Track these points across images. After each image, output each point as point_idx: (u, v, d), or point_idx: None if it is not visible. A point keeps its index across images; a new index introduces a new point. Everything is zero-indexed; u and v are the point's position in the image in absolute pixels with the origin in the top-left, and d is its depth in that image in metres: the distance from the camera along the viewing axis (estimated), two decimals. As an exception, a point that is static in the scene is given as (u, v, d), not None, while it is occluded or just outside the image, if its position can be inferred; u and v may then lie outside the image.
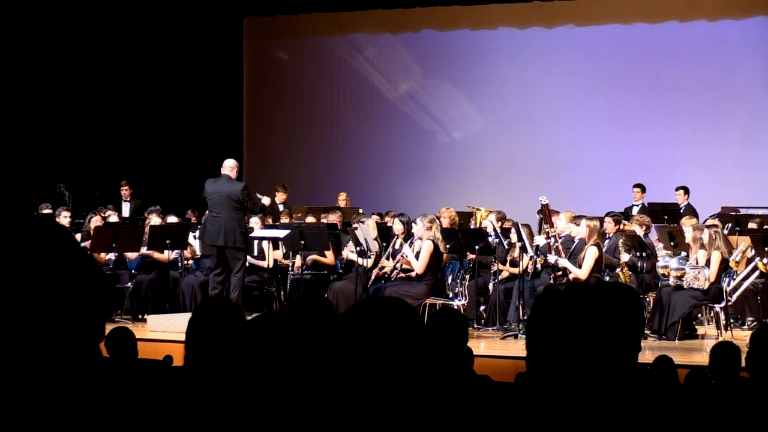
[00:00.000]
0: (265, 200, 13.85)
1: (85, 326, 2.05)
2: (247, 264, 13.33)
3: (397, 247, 13.12)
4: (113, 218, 15.04)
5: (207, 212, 13.29)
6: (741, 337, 11.53)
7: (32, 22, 18.65)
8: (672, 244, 13.62)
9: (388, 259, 13.13)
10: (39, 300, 1.99)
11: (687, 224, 13.41)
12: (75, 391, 1.99)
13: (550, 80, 19.67)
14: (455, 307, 12.19)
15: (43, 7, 18.67)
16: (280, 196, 17.77)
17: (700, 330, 12.99)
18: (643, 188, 16.93)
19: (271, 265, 14.10)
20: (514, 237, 13.31)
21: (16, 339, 1.97)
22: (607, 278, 12.42)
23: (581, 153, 19.17)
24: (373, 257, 13.21)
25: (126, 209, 17.74)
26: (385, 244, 13.57)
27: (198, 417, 2.92)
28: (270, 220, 15.26)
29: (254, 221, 14.11)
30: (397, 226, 13.32)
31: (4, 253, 2.02)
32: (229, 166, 13.03)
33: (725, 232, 13.71)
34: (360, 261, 13.04)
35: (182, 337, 3.99)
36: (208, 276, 13.63)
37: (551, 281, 12.32)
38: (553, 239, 12.42)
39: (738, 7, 18.59)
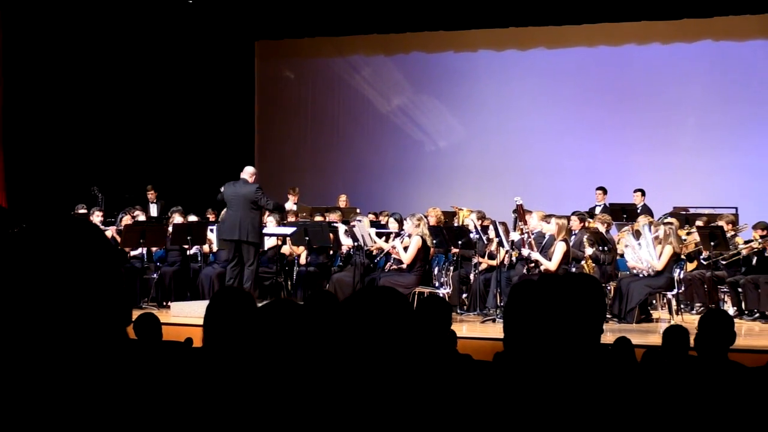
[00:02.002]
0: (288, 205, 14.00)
1: (114, 311, 2.04)
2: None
3: (391, 239, 13.20)
4: (141, 217, 15.05)
5: (224, 211, 13.34)
6: (690, 320, 11.54)
7: (72, 52, 18.67)
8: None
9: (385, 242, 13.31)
10: (74, 288, 1.99)
11: (641, 221, 13.44)
12: (106, 369, 1.99)
13: (524, 96, 19.69)
14: (441, 295, 12.19)
15: (82, 37, 18.67)
16: (292, 198, 17.81)
17: (655, 314, 13.02)
18: (604, 190, 16.95)
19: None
20: (492, 233, 13.31)
21: (54, 322, 1.97)
22: (574, 269, 12.43)
23: (551, 160, 19.18)
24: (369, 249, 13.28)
25: (153, 210, 17.71)
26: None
27: (215, 391, 2.91)
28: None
29: (270, 220, 14.13)
30: (393, 224, 13.40)
31: (45, 247, 2.01)
32: (248, 172, 13.17)
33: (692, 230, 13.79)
34: (352, 244, 13.24)
35: (201, 321, 3.99)
36: (224, 268, 13.65)
37: (525, 272, 12.34)
38: (526, 235, 12.44)
39: (687, 33, 18.61)
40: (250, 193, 12.86)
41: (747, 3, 17.62)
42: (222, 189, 13.20)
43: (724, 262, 13.12)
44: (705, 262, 13.26)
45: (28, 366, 1.96)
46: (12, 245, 2.03)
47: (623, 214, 15.84)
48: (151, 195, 18.10)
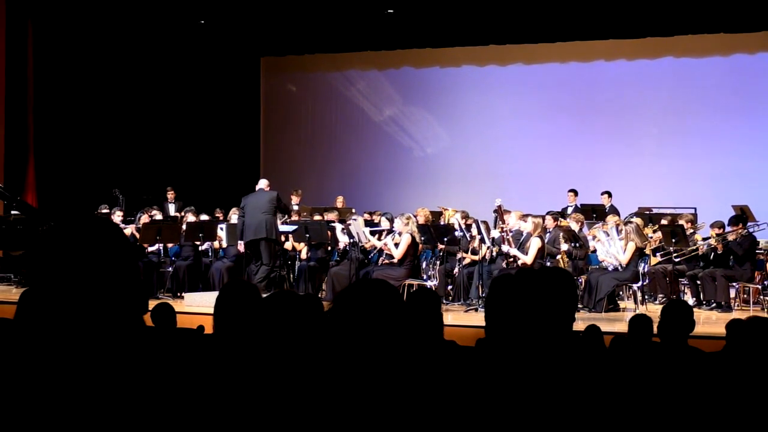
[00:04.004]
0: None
1: (132, 301, 2.04)
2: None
3: (383, 236, 13.19)
4: (158, 216, 15.03)
5: (238, 217, 13.48)
6: (653, 310, 11.55)
7: (96, 67, 18.68)
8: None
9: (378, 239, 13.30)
10: (96, 280, 1.98)
11: (610, 221, 13.46)
12: (124, 352, 1.99)
13: (503, 107, 19.71)
14: (429, 287, 12.19)
15: (106, 53, 18.68)
16: (295, 199, 17.80)
17: (622, 304, 13.03)
18: (576, 192, 16.96)
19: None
20: (475, 231, 13.32)
21: (79, 311, 1.97)
22: (549, 264, 12.43)
23: (528, 165, 19.20)
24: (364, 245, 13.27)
25: (172, 209, 17.69)
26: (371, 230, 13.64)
27: (224, 373, 2.91)
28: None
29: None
30: (385, 223, 13.40)
31: (70, 243, 2.01)
32: (264, 183, 13.63)
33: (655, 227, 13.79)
34: (348, 240, 13.24)
35: (212, 310, 3.98)
36: (233, 262, 13.66)
37: (504, 266, 12.34)
38: (505, 233, 12.45)
39: (650, 51, 18.64)
40: (273, 199, 13.26)
41: (705, 23, 17.67)
42: (243, 202, 13.42)
43: (678, 259, 13.13)
44: (675, 259, 13.28)
45: (55, 349, 1.96)
46: (41, 241, 2.03)
47: (593, 213, 15.87)
48: (170, 195, 18.09)
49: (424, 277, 13.13)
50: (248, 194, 13.54)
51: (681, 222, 13.59)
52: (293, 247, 14.48)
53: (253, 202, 13.23)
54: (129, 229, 13.79)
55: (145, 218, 14.27)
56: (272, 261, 13.06)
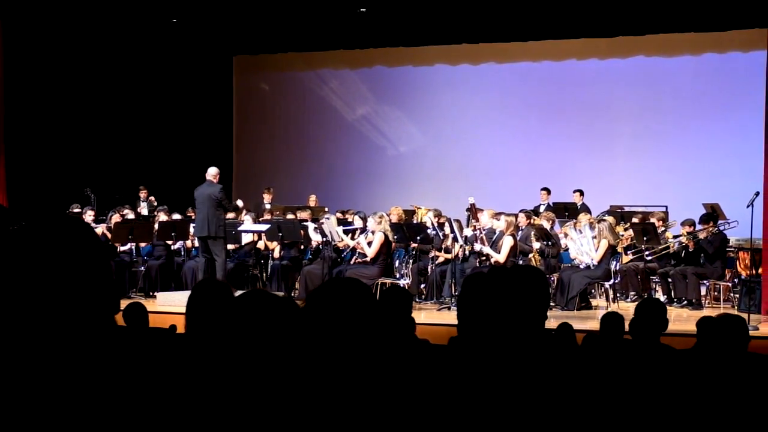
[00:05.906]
0: (239, 203, 13.85)
1: (104, 300, 2.03)
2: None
3: (356, 235, 13.19)
4: (130, 215, 14.96)
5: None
6: (625, 308, 11.63)
7: (68, 65, 18.54)
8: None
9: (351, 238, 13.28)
10: (67, 280, 1.97)
11: (582, 219, 13.52)
12: (96, 352, 1.98)
13: (476, 106, 19.74)
14: (401, 285, 12.19)
15: (78, 51, 18.55)
16: (267, 197, 17.73)
17: (594, 302, 13.09)
18: (548, 191, 17.03)
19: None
20: (447, 229, 13.35)
21: (49, 310, 1.96)
22: (521, 262, 12.48)
23: (500, 163, 19.25)
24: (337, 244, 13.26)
25: (144, 207, 17.59)
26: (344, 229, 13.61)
27: (196, 373, 2.89)
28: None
29: (246, 218, 14.12)
30: (358, 221, 13.38)
31: (41, 243, 2.00)
32: (211, 174, 13.00)
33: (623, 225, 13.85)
34: (321, 239, 13.17)
35: (184, 309, 3.96)
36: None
37: (477, 265, 12.37)
38: (478, 231, 12.49)
39: (622, 50, 18.74)
40: (214, 193, 12.75)
41: (675, 23, 17.78)
42: (195, 194, 13.08)
43: (650, 257, 13.21)
44: (647, 256, 13.36)
45: (25, 349, 1.94)
46: (12, 241, 2.02)
47: (565, 212, 15.95)
48: (143, 194, 18.00)
49: (397, 275, 13.14)
50: (199, 185, 13.10)
51: (652, 220, 13.69)
52: (266, 246, 14.45)
53: (199, 195, 12.86)
54: (99, 229, 13.71)
55: (116, 217, 14.20)
56: (224, 254, 12.82)
